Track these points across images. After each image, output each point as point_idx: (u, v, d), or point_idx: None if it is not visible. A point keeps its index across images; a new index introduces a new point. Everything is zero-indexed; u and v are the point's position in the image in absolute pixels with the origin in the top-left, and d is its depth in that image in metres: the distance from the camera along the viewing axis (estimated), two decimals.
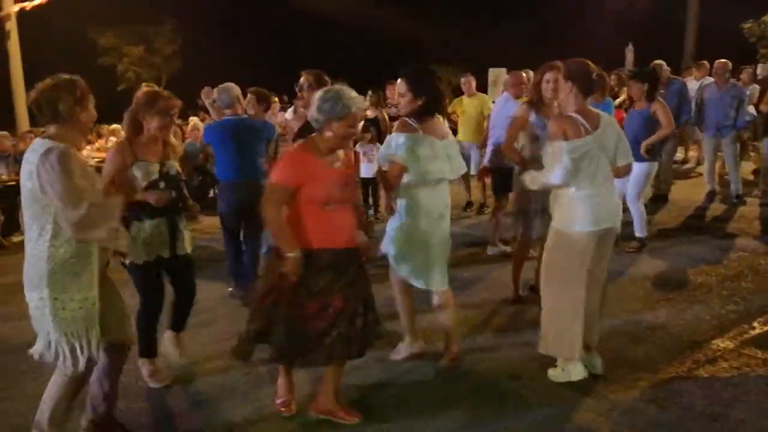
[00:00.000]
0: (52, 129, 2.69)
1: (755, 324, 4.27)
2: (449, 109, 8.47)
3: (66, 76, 2.74)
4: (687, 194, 8.63)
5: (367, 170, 8.27)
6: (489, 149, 6.25)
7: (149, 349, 3.72)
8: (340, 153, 3.10)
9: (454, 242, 6.68)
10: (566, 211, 3.44)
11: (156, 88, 3.82)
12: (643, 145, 5.87)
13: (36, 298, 2.74)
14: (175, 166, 3.61)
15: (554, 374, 3.58)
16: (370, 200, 8.28)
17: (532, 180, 3.60)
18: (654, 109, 5.97)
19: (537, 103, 4.48)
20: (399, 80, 3.67)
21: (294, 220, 2.98)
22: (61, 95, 2.66)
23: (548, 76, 4.38)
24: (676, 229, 7.02)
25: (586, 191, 3.37)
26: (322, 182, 2.94)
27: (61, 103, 2.65)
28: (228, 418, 3.34)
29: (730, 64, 8.17)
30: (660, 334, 4.14)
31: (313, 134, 3.06)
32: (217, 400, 3.54)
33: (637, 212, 6.13)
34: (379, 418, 3.24)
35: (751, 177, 9.26)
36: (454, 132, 8.67)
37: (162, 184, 3.47)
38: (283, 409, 3.28)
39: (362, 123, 8.97)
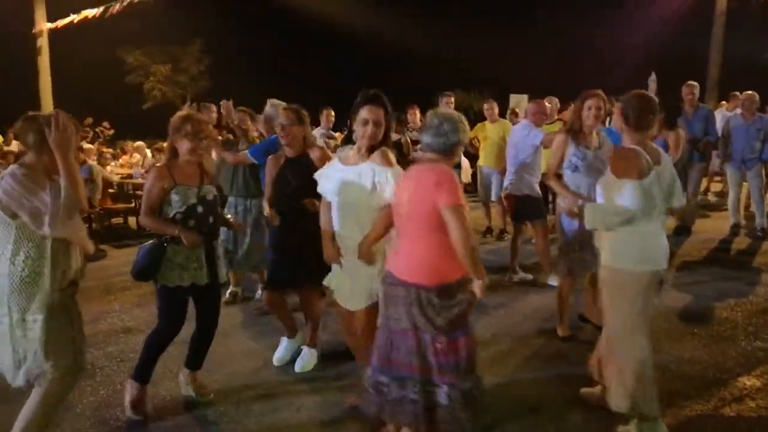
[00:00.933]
0: (27, 156, 2.86)
1: None
2: (471, 134, 8.45)
3: (40, 113, 2.92)
4: (711, 226, 8.49)
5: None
6: (509, 175, 6.22)
7: (143, 375, 3.58)
8: None
9: None
10: (617, 248, 3.15)
11: (195, 111, 3.82)
12: None
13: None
14: (212, 190, 3.60)
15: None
16: None
17: (593, 217, 3.19)
18: (667, 139, 5.84)
19: (577, 132, 4.36)
20: (373, 107, 3.31)
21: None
22: (29, 129, 2.83)
23: (590, 102, 4.29)
24: (700, 262, 6.89)
25: (642, 228, 3.10)
26: None
27: (29, 135, 2.83)
28: None
29: (757, 96, 8.09)
30: (685, 370, 4.03)
31: (436, 158, 2.85)
32: (234, 420, 3.50)
33: None
34: None
35: None
36: (476, 157, 8.76)
37: (200, 209, 3.47)
38: None
39: None
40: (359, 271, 3.26)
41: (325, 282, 3.56)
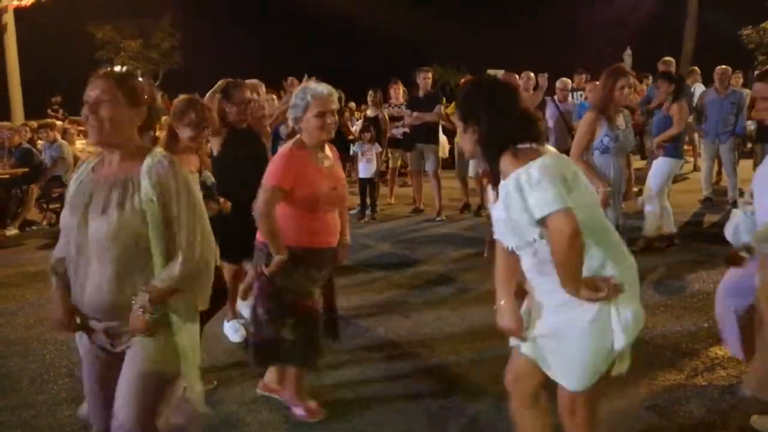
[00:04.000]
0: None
1: None
2: (449, 110, 8.45)
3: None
4: (681, 200, 8.59)
5: (365, 170, 8.23)
6: None
7: None
8: (329, 152, 3.16)
9: (452, 244, 6.78)
10: None
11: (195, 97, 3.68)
12: (654, 141, 6.01)
13: None
14: (210, 176, 3.60)
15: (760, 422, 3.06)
16: (368, 200, 8.23)
17: None
18: (672, 111, 6.06)
19: (608, 112, 4.18)
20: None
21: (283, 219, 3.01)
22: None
23: (623, 82, 4.12)
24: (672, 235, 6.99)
25: None
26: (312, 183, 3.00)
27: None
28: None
29: (730, 70, 8.19)
30: (658, 341, 4.11)
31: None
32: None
33: (653, 210, 6.14)
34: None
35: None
36: (454, 133, 8.74)
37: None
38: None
39: (362, 122, 8.97)
40: None
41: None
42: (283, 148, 3.08)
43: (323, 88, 3.02)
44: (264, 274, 3.00)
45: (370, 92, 8.77)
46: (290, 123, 3.13)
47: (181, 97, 3.50)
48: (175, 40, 30.10)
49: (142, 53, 29.48)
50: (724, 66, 8.15)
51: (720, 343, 4.04)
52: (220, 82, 4.16)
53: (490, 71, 12.88)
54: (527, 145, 2.08)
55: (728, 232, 3.13)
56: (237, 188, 3.61)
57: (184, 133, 3.40)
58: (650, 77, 9.30)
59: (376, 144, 8.18)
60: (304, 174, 2.97)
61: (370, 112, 8.80)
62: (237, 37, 29.81)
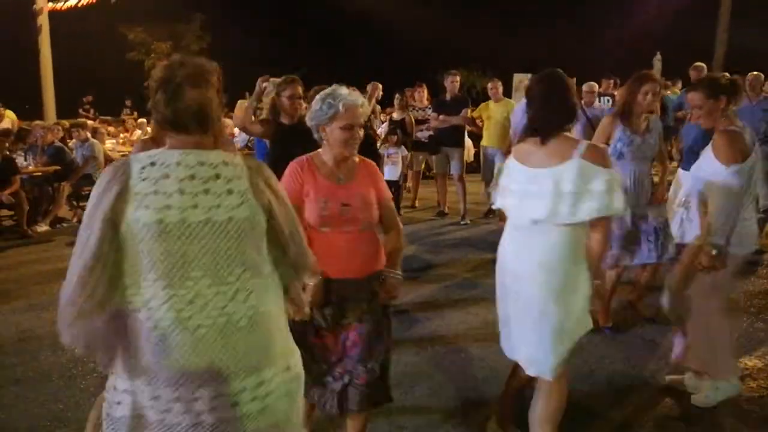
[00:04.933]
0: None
1: None
2: (474, 114, 8.42)
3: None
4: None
5: (390, 173, 8.25)
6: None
7: None
8: (356, 166, 2.69)
9: (476, 248, 6.75)
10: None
11: None
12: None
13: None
14: None
15: (701, 399, 3.36)
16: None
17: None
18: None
19: (627, 115, 4.13)
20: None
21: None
22: None
23: (648, 87, 4.07)
24: None
25: (746, 214, 3.15)
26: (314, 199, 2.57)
27: None
28: None
29: (762, 76, 8.02)
30: None
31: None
32: None
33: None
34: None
35: None
36: (479, 137, 8.71)
37: None
38: None
39: (387, 125, 8.97)
40: None
41: None
42: (296, 159, 2.69)
43: (356, 97, 2.57)
44: None
45: (397, 95, 8.79)
46: (310, 127, 2.67)
47: None
48: (204, 42, 30.51)
49: (172, 55, 29.91)
50: (756, 72, 7.99)
51: (750, 354, 3.99)
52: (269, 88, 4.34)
53: (517, 75, 12.84)
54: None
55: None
56: None
57: None
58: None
59: (402, 147, 8.19)
60: (309, 187, 2.58)
61: (396, 115, 8.81)
62: (266, 39, 30.08)
